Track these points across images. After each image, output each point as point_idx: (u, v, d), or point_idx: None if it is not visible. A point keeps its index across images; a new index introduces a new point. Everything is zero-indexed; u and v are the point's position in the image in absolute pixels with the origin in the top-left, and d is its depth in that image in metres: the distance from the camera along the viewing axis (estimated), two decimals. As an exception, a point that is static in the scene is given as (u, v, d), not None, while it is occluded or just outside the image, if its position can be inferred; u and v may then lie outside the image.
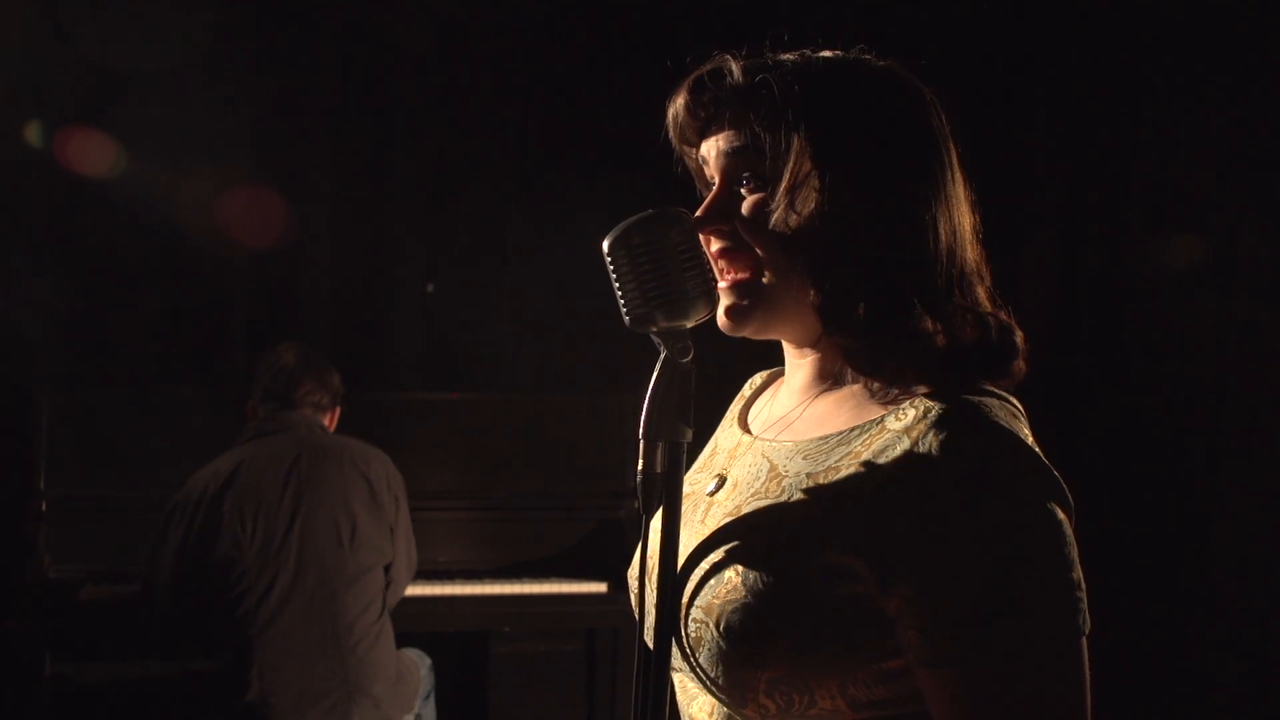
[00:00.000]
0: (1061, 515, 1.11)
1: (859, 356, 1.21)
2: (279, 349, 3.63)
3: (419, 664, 3.75)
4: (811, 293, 1.19)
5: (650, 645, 1.19)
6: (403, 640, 3.67)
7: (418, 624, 3.86)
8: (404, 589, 3.63)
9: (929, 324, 1.17)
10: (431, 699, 3.82)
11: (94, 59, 4.23)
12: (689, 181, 1.34)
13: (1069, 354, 4.59)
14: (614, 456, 4.32)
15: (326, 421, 3.64)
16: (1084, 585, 1.11)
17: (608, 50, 4.63)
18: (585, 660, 4.33)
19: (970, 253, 1.22)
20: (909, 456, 1.11)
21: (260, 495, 3.39)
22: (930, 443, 1.11)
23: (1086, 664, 1.11)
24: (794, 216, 1.17)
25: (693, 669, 1.19)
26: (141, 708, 3.94)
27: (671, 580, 1.18)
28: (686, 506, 1.30)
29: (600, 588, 4.08)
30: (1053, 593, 1.09)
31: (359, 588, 3.42)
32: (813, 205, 1.17)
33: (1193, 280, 4.42)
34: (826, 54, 1.24)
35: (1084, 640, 1.11)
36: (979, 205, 1.25)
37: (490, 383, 4.67)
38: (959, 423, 1.12)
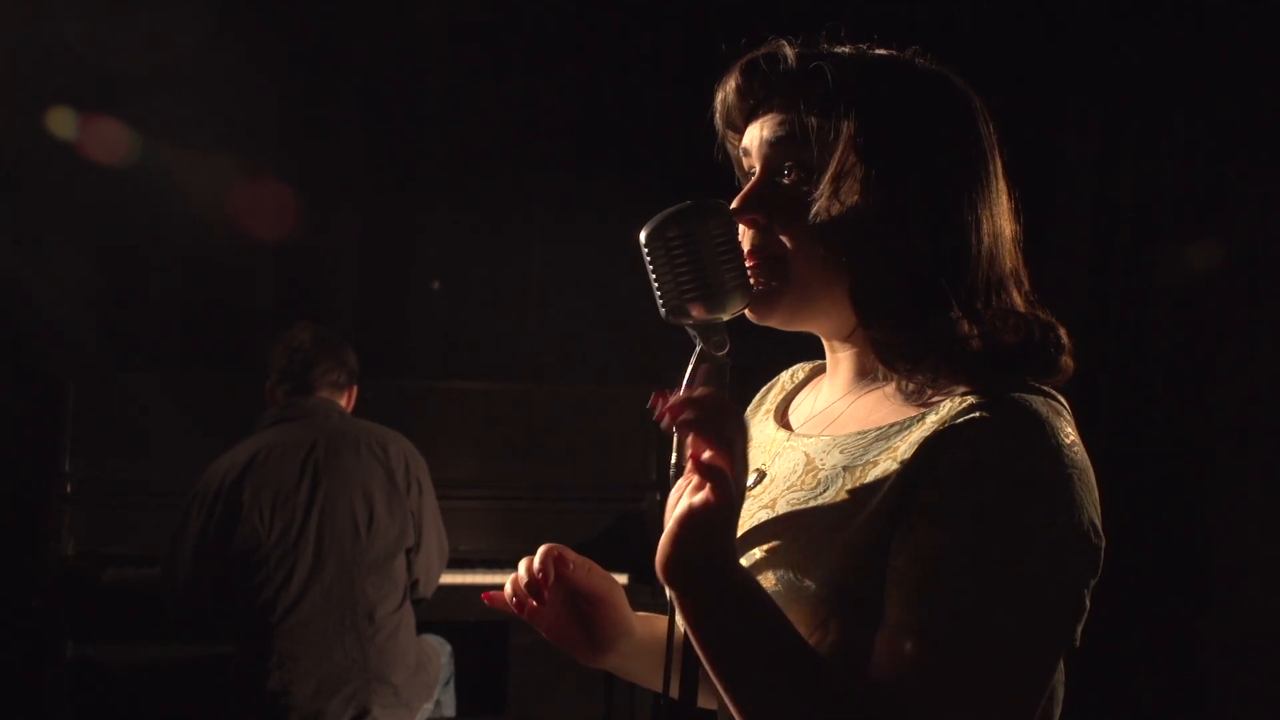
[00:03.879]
0: (1073, 519, 1.10)
1: (892, 353, 1.20)
2: (293, 329, 3.60)
3: (439, 651, 3.75)
4: (848, 285, 1.18)
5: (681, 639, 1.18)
6: (423, 628, 3.68)
7: (439, 612, 3.86)
8: (437, 576, 3.60)
9: (965, 325, 1.16)
10: (451, 686, 3.82)
11: (122, 47, 4.24)
12: (714, 173, 1.33)
13: (1096, 358, 4.57)
14: (636, 448, 4.31)
15: (344, 401, 3.61)
16: (1084, 600, 1.11)
17: (632, 44, 4.62)
18: (604, 652, 4.33)
19: (1009, 259, 1.22)
20: (937, 436, 1.12)
21: (278, 484, 3.38)
22: (960, 423, 1.11)
23: (1048, 678, 1.11)
24: (836, 206, 1.16)
25: None
26: (162, 692, 3.96)
27: None
28: None
29: (621, 579, 4.07)
30: (1033, 590, 1.07)
31: (378, 575, 3.42)
32: (856, 197, 1.16)
33: (1219, 285, 4.40)
34: (881, 51, 1.24)
35: (1059, 652, 1.11)
36: (1021, 213, 1.24)
37: (514, 373, 4.67)
38: (993, 408, 1.12)
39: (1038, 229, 1.27)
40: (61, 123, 4.32)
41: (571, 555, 1.32)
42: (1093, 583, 1.12)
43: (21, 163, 4.33)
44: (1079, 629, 1.11)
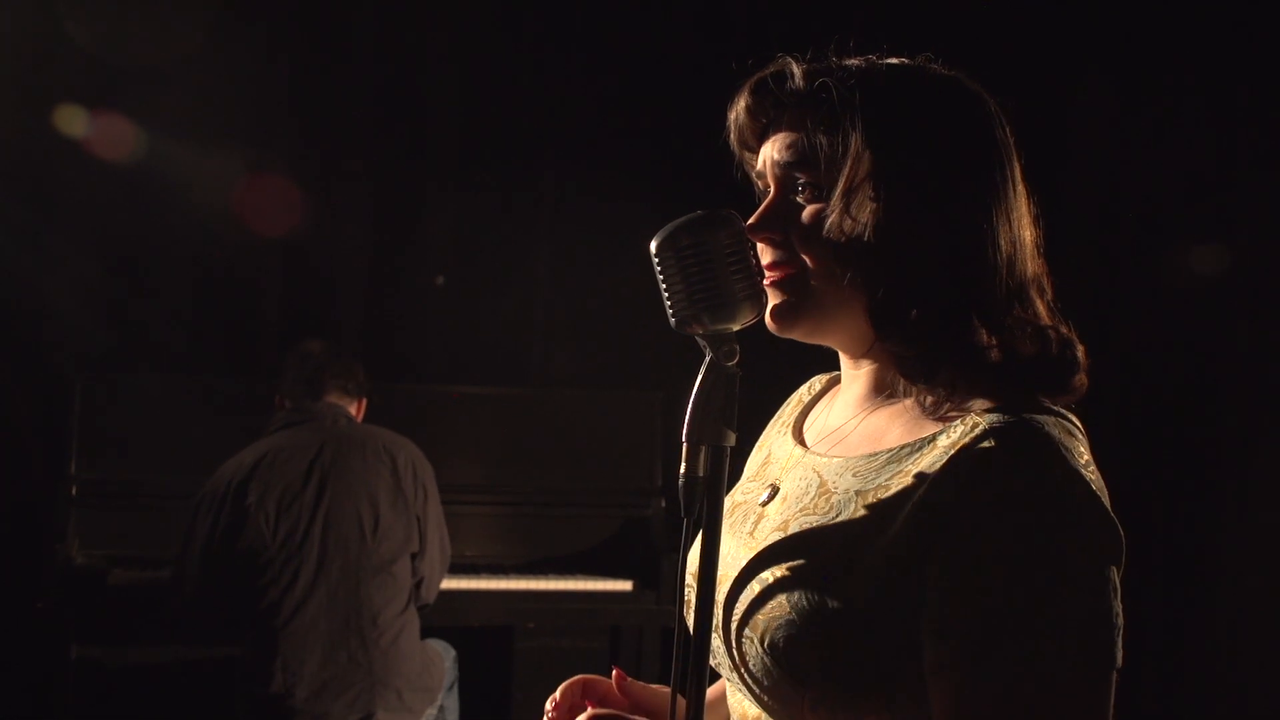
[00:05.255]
0: (1105, 538, 1.09)
1: (910, 366, 1.19)
2: (305, 343, 3.68)
3: (444, 656, 3.75)
4: (865, 299, 1.17)
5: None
6: (428, 632, 3.68)
7: (443, 617, 3.86)
8: (439, 582, 3.62)
9: (984, 336, 1.15)
10: (455, 691, 3.82)
11: (130, 44, 4.24)
12: (728, 176, 1.33)
13: (1103, 361, 4.55)
14: (642, 454, 4.31)
15: (353, 410, 3.66)
16: (1120, 617, 1.09)
17: (644, 47, 4.61)
18: (609, 658, 4.31)
19: (1031, 266, 1.20)
20: (953, 464, 1.10)
21: (284, 487, 3.40)
22: (976, 452, 1.10)
23: (1111, 700, 1.08)
24: (849, 221, 1.16)
25: (742, 680, 1.18)
26: (167, 694, 3.96)
27: (710, 587, 1.16)
28: (737, 516, 1.28)
29: (625, 585, 4.07)
30: (1081, 618, 1.06)
31: (383, 579, 3.43)
32: (868, 211, 1.15)
33: (1223, 285, 4.39)
34: (891, 61, 1.22)
35: (1113, 674, 1.08)
36: (1041, 218, 1.23)
37: (520, 377, 4.66)
38: (1007, 434, 1.10)
39: (1045, 232, 1.26)
40: (70, 120, 4.31)
41: (601, 681, 1.32)
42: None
43: (29, 161, 4.32)
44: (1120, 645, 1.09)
